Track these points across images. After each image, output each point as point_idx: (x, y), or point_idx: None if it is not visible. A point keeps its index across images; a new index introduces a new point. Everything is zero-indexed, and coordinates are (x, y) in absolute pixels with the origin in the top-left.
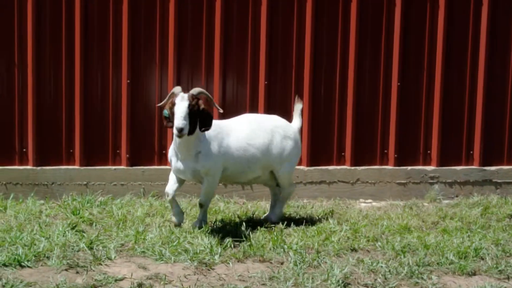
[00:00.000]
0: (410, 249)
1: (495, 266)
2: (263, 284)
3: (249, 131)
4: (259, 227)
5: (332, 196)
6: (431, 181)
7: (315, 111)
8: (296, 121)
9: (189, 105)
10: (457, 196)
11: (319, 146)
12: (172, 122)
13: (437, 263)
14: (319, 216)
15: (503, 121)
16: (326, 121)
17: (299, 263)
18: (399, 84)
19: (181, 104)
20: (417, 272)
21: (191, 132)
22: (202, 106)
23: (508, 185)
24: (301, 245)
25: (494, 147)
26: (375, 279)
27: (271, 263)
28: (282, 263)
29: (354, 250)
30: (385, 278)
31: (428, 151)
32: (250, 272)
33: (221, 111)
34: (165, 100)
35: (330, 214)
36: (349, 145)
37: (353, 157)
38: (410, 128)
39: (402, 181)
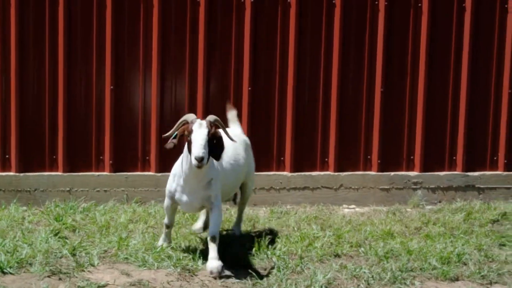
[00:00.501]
0: (393, 254)
1: (477, 271)
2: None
3: (232, 146)
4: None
5: (315, 202)
6: (414, 186)
7: (299, 117)
8: (238, 127)
9: (208, 133)
10: (440, 202)
11: (302, 152)
12: (189, 149)
13: (420, 269)
14: (303, 222)
15: (486, 127)
16: (309, 127)
17: (283, 269)
18: (382, 90)
19: (200, 132)
20: (400, 277)
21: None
22: (219, 134)
23: (491, 191)
24: (284, 251)
25: (477, 153)
26: (358, 285)
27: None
28: (265, 269)
29: (337, 255)
30: (368, 284)
31: (411, 157)
32: (233, 278)
33: (235, 141)
34: (173, 128)
35: (314, 220)
36: (332, 151)
37: (337, 163)
38: (393, 134)
39: (385, 187)
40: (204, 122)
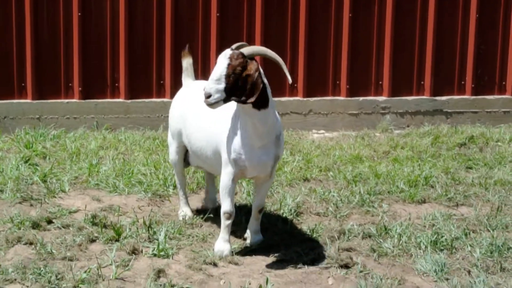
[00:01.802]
0: (362, 178)
1: (444, 194)
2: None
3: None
4: None
5: (285, 128)
6: (383, 111)
7: (268, 41)
8: (191, 80)
9: (229, 65)
10: (408, 126)
11: (271, 78)
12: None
13: (388, 192)
14: None
15: (454, 51)
16: (277, 53)
17: (252, 193)
18: (350, 15)
19: (219, 63)
20: (368, 200)
21: (226, 101)
22: (249, 72)
23: (458, 115)
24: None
25: (444, 77)
26: (327, 208)
27: None
28: (235, 194)
29: (306, 180)
30: (337, 207)
31: (380, 82)
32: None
33: (291, 81)
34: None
35: (284, 145)
36: (302, 77)
37: (306, 89)
38: (361, 59)
39: (354, 112)
40: (228, 52)
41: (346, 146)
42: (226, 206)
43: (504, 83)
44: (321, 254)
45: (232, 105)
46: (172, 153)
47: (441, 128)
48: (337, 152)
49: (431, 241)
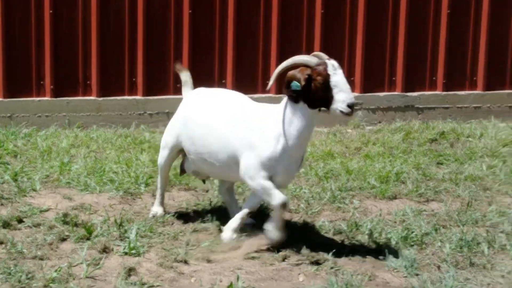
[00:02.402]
0: (333, 174)
1: (415, 189)
2: (189, 211)
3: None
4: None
5: None
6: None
7: (240, 46)
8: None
9: None
10: (380, 122)
11: (243, 74)
12: (325, 96)
13: (359, 188)
14: None
15: (425, 48)
16: (250, 49)
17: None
18: (322, 11)
19: (340, 73)
20: (339, 197)
21: None
22: None
23: (429, 110)
24: None
25: (416, 73)
26: (298, 205)
27: (196, 191)
28: (207, 191)
29: None
30: (308, 204)
31: (352, 78)
32: (175, 200)
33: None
34: (275, 74)
35: None
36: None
37: (278, 87)
38: (333, 56)
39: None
40: (335, 62)
41: (318, 142)
42: (279, 197)
43: (475, 78)
44: (292, 251)
45: (248, 109)
46: (164, 157)
47: (413, 124)
48: (309, 148)
49: (401, 237)
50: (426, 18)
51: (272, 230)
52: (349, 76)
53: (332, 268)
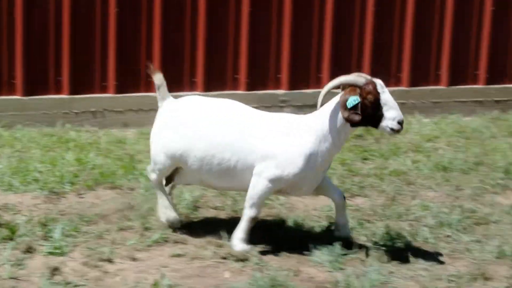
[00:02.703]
0: None
1: (340, 185)
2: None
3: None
4: (110, 155)
5: None
6: (282, 104)
7: (168, 39)
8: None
9: None
10: None
11: (171, 73)
12: (375, 115)
13: None
14: None
15: (352, 44)
16: (176, 47)
17: (150, 189)
18: (250, 10)
19: (388, 92)
20: None
21: None
22: None
23: None
24: None
25: (342, 69)
26: (224, 202)
27: (121, 189)
28: (133, 189)
29: None
30: (234, 200)
31: (278, 75)
32: (101, 199)
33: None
34: (322, 95)
35: None
36: (201, 71)
37: (205, 83)
38: (260, 53)
39: (254, 105)
40: (380, 81)
41: None
42: (256, 212)
43: (399, 75)
44: (219, 248)
45: (268, 120)
46: (159, 172)
47: None
48: None
49: (326, 232)
50: (352, 14)
51: (238, 241)
52: (276, 73)
53: (257, 264)
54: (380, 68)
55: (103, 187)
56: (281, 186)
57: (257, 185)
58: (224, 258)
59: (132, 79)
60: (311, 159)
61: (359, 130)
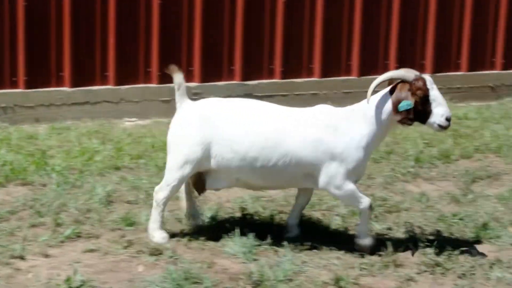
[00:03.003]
0: None
1: None
2: (26, 206)
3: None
4: (22, 151)
5: (96, 117)
6: (195, 97)
7: (79, 31)
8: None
9: None
10: None
11: (81, 67)
12: (424, 110)
13: None
14: (83, 137)
15: (262, 38)
16: (87, 40)
17: (62, 184)
18: (160, 2)
19: (437, 88)
20: None
21: None
22: None
23: (268, 98)
24: (64, 167)
25: (254, 62)
26: (138, 196)
27: (33, 185)
28: (45, 185)
29: (117, 168)
30: (148, 194)
31: (190, 68)
32: (12, 196)
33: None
34: (372, 89)
35: (95, 134)
36: (113, 64)
37: (117, 76)
38: (173, 45)
39: (166, 99)
40: (429, 77)
41: (158, 133)
42: (366, 201)
43: (311, 66)
44: (132, 242)
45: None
46: (179, 181)
47: None
48: (149, 139)
49: (240, 224)
50: (262, 5)
51: (362, 236)
52: (188, 66)
53: (171, 257)
54: (292, 60)
55: (14, 184)
56: (352, 179)
57: (342, 194)
58: (138, 252)
59: (43, 74)
60: (367, 149)
61: None
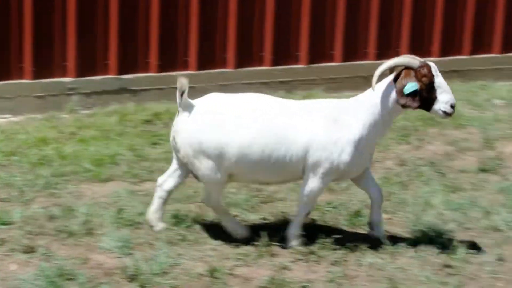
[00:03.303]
0: (47, 160)
1: (129, 171)
2: None
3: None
4: None
5: None
6: (69, 92)
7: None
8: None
9: None
10: (95, 106)
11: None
12: (428, 97)
13: (73, 172)
14: None
15: (138, 32)
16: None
17: None
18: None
19: (441, 75)
20: (53, 182)
21: None
22: None
23: (144, 92)
24: None
25: (130, 56)
26: (10, 193)
27: None
28: None
29: None
30: (21, 191)
31: (64, 63)
32: None
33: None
34: (376, 77)
35: None
36: (29, 57)
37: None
38: (47, 42)
39: (40, 94)
40: (434, 64)
41: (32, 129)
42: (311, 208)
43: (187, 59)
44: (4, 240)
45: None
46: (217, 191)
47: (128, 106)
48: (22, 136)
49: (114, 218)
50: (137, 6)
51: (293, 237)
52: (62, 61)
53: (44, 254)
54: (168, 53)
55: None
56: (334, 177)
57: (312, 184)
58: (11, 250)
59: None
60: (360, 144)
61: (148, 115)
